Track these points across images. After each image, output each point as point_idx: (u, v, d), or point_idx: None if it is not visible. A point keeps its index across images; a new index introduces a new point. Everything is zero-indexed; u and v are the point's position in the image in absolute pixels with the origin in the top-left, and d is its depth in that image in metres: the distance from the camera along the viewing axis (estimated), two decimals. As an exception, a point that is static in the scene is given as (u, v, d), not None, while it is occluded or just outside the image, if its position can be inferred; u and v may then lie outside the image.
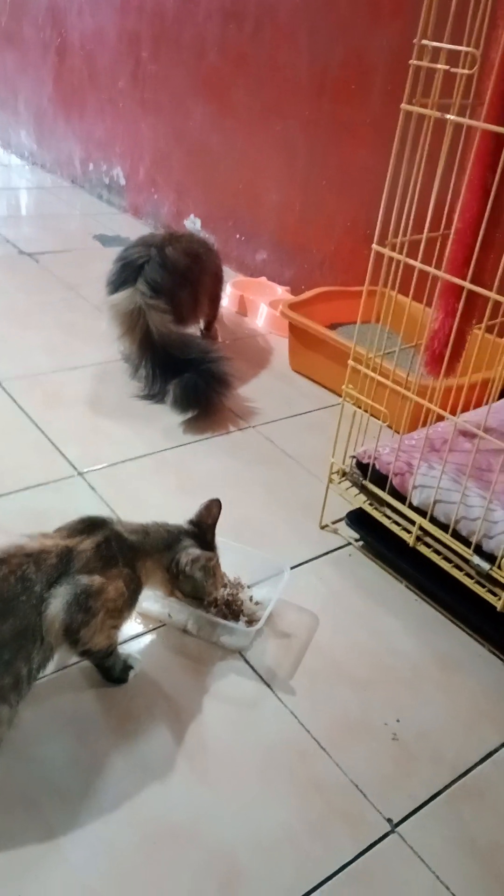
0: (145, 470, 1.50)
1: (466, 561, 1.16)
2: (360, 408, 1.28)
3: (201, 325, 2.08)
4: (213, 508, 1.09)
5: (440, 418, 1.22)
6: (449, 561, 1.19)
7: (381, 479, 1.28)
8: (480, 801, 0.96)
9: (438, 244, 1.16)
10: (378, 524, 1.29)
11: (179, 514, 1.09)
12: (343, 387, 1.28)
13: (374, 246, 1.15)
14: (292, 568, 1.26)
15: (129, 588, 0.95)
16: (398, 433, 1.32)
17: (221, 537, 1.11)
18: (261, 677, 1.08)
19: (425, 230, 1.13)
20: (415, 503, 1.23)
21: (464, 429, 1.21)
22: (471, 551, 1.15)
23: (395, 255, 1.15)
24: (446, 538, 1.18)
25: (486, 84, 1.03)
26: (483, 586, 1.15)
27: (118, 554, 0.94)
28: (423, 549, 1.22)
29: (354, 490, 1.34)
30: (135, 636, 1.11)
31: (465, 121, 1.03)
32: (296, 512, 1.43)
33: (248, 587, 1.21)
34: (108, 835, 0.86)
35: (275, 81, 2.26)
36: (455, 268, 1.12)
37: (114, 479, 1.45)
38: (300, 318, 1.85)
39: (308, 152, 2.22)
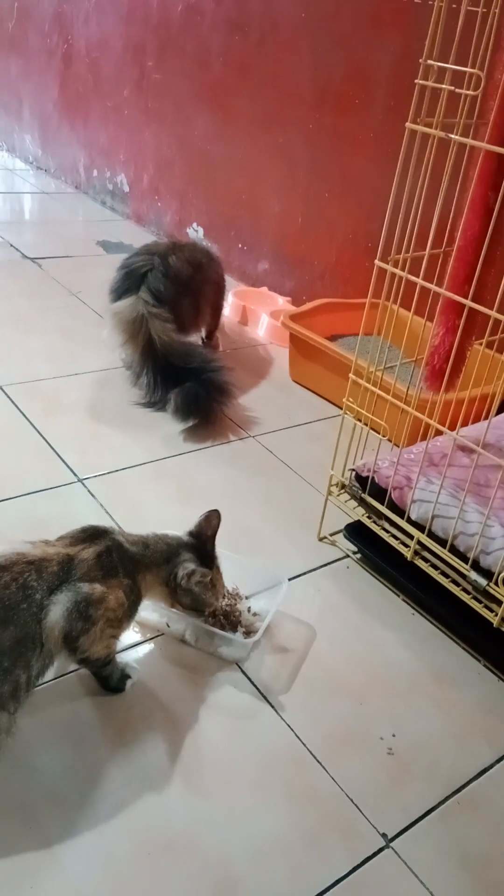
0: (145, 478, 1.51)
1: (463, 576, 1.17)
2: (360, 421, 1.29)
3: (203, 334, 2.08)
4: (212, 519, 1.09)
5: (439, 432, 1.23)
6: (446, 576, 1.20)
7: (379, 493, 1.29)
8: (474, 817, 0.96)
9: (440, 261, 1.17)
10: (376, 537, 1.30)
11: (178, 522, 1.10)
12: (343, 400, 1.29)
13: (377, 262, 1.16)
14: (290, 579, 1.26)
15: (128, 598, 0.95)
16: (397, 446, 1.33)
17: (220, 548, 1.12)
18: (257, 688, 1.09)
19: (427, 247, 1.14)
20: (413, 517, 1.23)
21: (462, 444, 1.22)
22: (468, 566, 1.16)
23: (397, 271, 1.16)
24: (444, 553, 1.19)
25: (490, 105, 1.04)
26: (480, 602, 1.15)
27: (119, 564, 0.95)
28: (420, 563, 1.23)
29: (353, 503, 1.35)
30: (132, 645, 1.12)
31: (469, 141, 1.04)
32: (294, 523, 1.44)
33: (247, 598, 1.21)
34: (105, 844, 0.86)
35: (278, 92, 2.28)
36: (456, 285, 1.13)
37: (113, 487, 1.45)
38: (301, 329, 1.86)
39: (310, 163, 2.24)
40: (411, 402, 1.22)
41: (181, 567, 1.02)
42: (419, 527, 1.23)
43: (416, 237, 1.13)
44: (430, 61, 1.03)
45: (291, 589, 1.24)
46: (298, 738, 1.03)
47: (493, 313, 1.04)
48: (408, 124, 1.07)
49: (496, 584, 1.12)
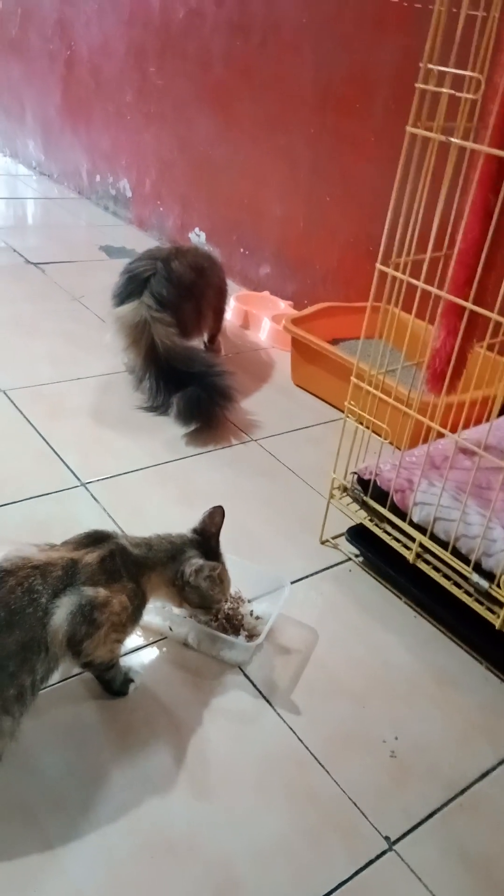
0: (147, 481, 1.51)
1: (466, 578, 1.17)
2: (361, 424, 1.29)
3: (205, 338, 2.09)
4: (216, 516, 1.09)
5: (441, 435, 1.23)
6: (448, 578, 1.20)
7: (381, 496, 1.29)
8: (477, 819, 0.96)
9: (441, 264, 1.17)
10: (378, 540, 1.30)
11: (181, 526, 1.10)
12: (345, 403, 1.29)
13: (379, 265, 1.16)
14: (292, 582, 1.26)
15: (132, 602, 0.95)
16: (399, 449, 1.33)
17: (222, 551, 1.12)
18: (260, 692, 1.09)
19: (428, 250, 1.14)
20: (415, 520, 1.24)
21: (464, 446, 1.22)
22: (470, 569, 1.16)
23: (398, 274, 1.16)
24: (446, 555, 1.19)
25: (491, 108, 1.05)
26: (482, 604, 1.15)
27: (122, 568, 0.95)
28: (422, 565, 1.23)
29: (355, 505, 1.35)
30: (135, 649, 1.12)
31: (469, 144, 1.05)
32: (296, 526, 1.44)
33: (249, 601, 1.22)
34: (107, 846, 0.86)
35: (279, 96, 2.28)
36: (457, 287, 1.13)
37: (116, 490, 1.46)
38: (302, 333, 1.87)
39: (312, 167, 2.24)
40: (413, 405, 1.22)
41: (188, 564, 1.02)
42: (421, 529, 1.23)
43: (417, 240, 1.13)
44: (430, 65, 1.03)
45: (293, 592, 1.25)
46: (300, 740, 1.03)
47: (494, 316, 1.05)
48: (408, 128, 1.08)
49: (498, 586, 1.12)
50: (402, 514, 1.26)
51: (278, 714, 1.06)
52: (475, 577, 1.15)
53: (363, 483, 1.33)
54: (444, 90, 1.03)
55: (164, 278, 1.79)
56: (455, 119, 1.05)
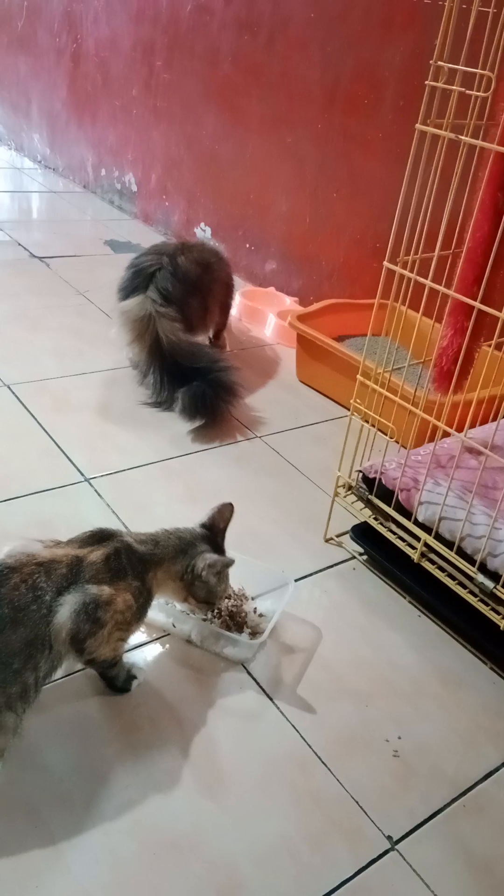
0: (152, 477, 1.51)
1: (470, 578, 1.17)
2: (367, 422, 1.29)
3: (210, 334, 2.08)
4: (225, 512, 1.10)
5: (447, 434, 1.23)
6: (453, 578, 1.20)
7: (386, 494, 1.29)
8: (480, 820, 0.96)
9: (449, 262, 1.17)
10: (383, 539, 1.30)
11: (185, 522, 1.09)
12: (351, 401, 1.29)
13: (386, 263, 1.16)
14: (296, 580, 1.26)
15: (137, 601, 0.95)
16: (405, 448, 1.33)
17: (226, 548, 1.12)
18: (263, 689, 1.09)
19: (437, 248, 1.13)
20: (420, 519, 1.23)
21: (470, 446, 1.22)
22: (475, 569, 1.15)
23: (406, 272, 1.15)
24: (451, 555, 1.19)
25: (501, 106, 1.04)
26: (486, 604, 1.15)
27: (128, 566, 0.95)
28: (427, 565, 1.23)
29: (360, 504, 1.35)
30: (138, 645, 1.12)
31: (479, 142, 1.04)
32: (300, 524, 1.44)
33: (253, 599, 1.21)
34: (110, 844, 0.86)
35: (287, 92, 2.27)
36: (465, 286, 1.13)
37: (120, 486, 1.45)
38: (308, 330, 1.86)
39: (318, 163, 2.24)
40: (419, 404, 1.22)
41: (200, 558, 1.02)
42: (426, 529, 1.22)
43: (425, 238, 1.13)
44: (440, 62, 1.02)
45: (297, 590, 1.24)
46: (304, 738, 1.03)
47: (502, 315, 1.04)
48: (417, 126, 1.07)
49: (503, 586, 1.12)
50: (407, 513, 1.25)
51: (281, 711, 1.06)
52: (480, 578, 1.15)
53: (368, 481, 1.32)
54: (454, 88, 1.02)
55: (170, 273, 1.79)
56: (465, 117, 1.04)
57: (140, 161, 3.01)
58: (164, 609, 1.14)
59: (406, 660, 1.18)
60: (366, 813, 0.94)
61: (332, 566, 1.35)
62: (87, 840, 0.86)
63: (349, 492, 1.36)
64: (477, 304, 1.09)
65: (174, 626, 1.15)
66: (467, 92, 1.02)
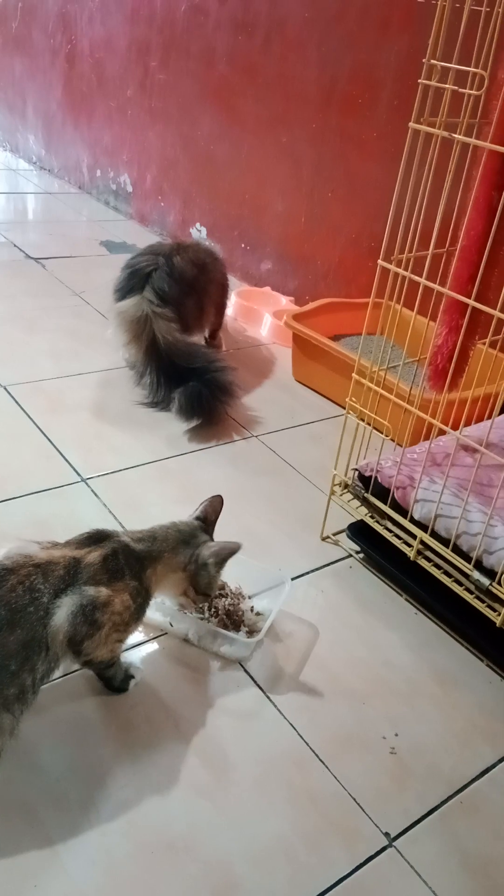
0: (148, 477, 1.51)
1: (466, 576, 1.17)
2: (363, 420, 1.29)
3: (206, 334, 2.08)
4: (216, 503, 1.11)
5: (442, 432, 1.23)
6: (449, 575, 1.20)
7: (382, 493, 1.29)
8: (476, 817, 0.96)
9: (443, 260, 1.17)
10: (379, 537, 1.30)
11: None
12: (346, 399, 1.29)
13: (380, 262, 1.16)
14: (293, 579, 1.26)
15: (135, 601, 0.95)
16: (400, 446, 1.33)
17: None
18: (260, 688, 1.09)
19: (431, 246, 1.14)
20: (416, 517, 1.23)
21: (465, 444, 1.22)
22: (471, 566, 1.16)
23: (400, 270, 1.16)
24: (447, 553, 1.19)
25: (494, 104, 1.04)
26: (483, 602, 1.15)
27: (125, 566, 0.94)
28: (423, 563, 1.23)
29: (356, 502, 1.35)
30: (136, 645, 1.12)
31: (472, 140, 1.04)
32: (297, 523, 1.44)
33: (249, 597, 1.21)
34: (107, 844, 0.86)
35: (282, 93, 2.28)
36: (459, 284, 1.13)
37: (117, 486, 1.45)
38: (304, 329, 1.86)
39: (314, 164, 2.24)
40: (414, 402, 1.22)
41: (205, 547, 1.03)
42: (422, 526, 1.23)
43: (419, 237, 1.13)
44: (433, 61, 1.02)
45: (294, 588, 1.25)
46: (301, 737, 1.03)
47: (497, 313, 1.04)
48: (411, 124, 1.07)
49: (499, 583, 1.12)
50: (403, 511, 1.26)
51: (278, 710, 1.06)
52: (476, 575, 1.15)
53: (364, 480, 1.32)
54: (447, 86, 1.02)
55: (166, 273, 1.79)
56: (458, 115, 1.05)
57: (135, 161, 3.01)
58: (162, 608, 1.14)
59: (402, 658, 1.18)
60: (363, 810, 0.95)
61: (328, 564, 1.35)
62: (84, 840, 0.86)
63: (345, 490, 1.37)
64: (471, 302, 1.09)
65: (171, 625, 1.15)
66: (460, 90, 1.02)
